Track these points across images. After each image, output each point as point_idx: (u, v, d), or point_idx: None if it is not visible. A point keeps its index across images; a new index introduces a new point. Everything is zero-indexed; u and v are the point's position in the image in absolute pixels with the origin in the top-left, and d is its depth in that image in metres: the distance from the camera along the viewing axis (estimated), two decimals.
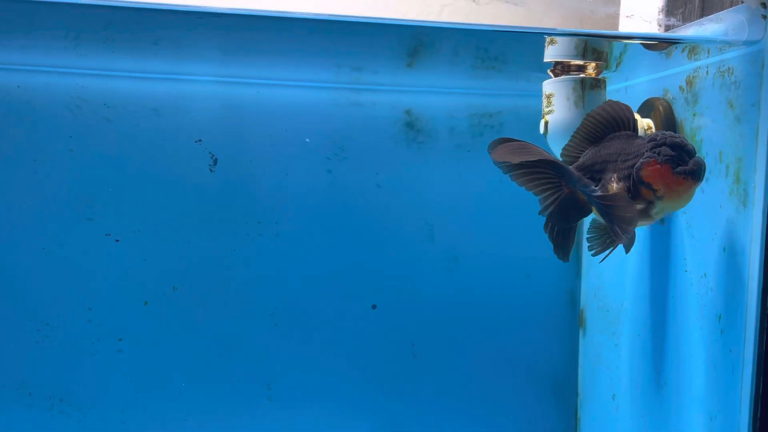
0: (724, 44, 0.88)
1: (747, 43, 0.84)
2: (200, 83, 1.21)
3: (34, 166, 1.19)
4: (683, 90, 0.97)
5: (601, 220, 0.87)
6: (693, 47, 0.95)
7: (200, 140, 1.22)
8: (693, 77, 0.95)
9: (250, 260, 1.25)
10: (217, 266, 1.24)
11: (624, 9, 1.02)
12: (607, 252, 0.86)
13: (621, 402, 1.17)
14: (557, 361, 1.34)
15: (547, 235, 0.89)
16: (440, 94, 1.27)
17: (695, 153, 0.82)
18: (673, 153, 0.80)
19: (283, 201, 1.25)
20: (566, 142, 0.91)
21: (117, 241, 1.21)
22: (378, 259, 1.28)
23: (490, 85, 1.25)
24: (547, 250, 0.91)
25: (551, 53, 1.02)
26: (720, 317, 0.89)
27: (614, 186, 0.84)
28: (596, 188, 0.85)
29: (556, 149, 1.00)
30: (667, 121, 0.99)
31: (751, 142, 0.83)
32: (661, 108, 1.00)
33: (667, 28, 1.00)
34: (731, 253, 0.86)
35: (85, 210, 1.20)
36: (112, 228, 1.21)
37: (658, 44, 0.99)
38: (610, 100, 0.87)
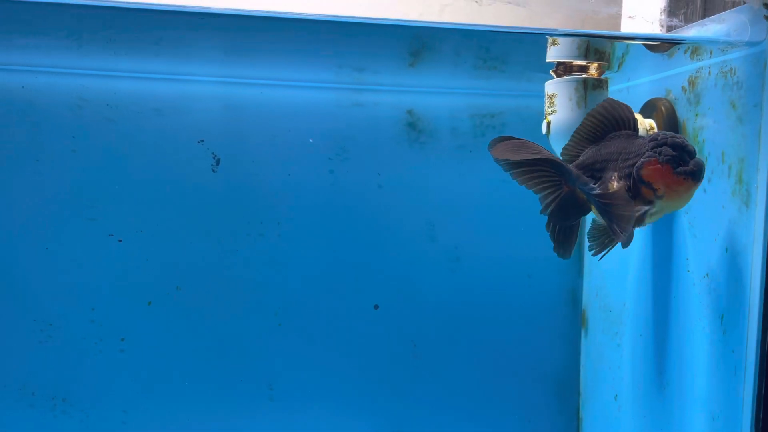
0: (727, 45, 0.88)
1: (749, 43, 0.84)
2: (202, 83, 1.22)
3: (37, 166, 1.19)
4: (686, 90, 0.97)
5: (600, 219, 0.87)
6: (695, 48, 0.95)
7: (203, 140, 1.22)
8: (695, 78, 0.95)
9: (253, 260, 1.25)
10: (219, 266, 1.24)
11: (626, 9, 1.02)
12: (606, 250, 0.86)
13: (623, 402, 1.17)
14: (559, 361, 1.34)
15: (548, 233, 0.90)
16: (442, 94, 1.27)
17: (695, 154, 0.82)
18: (674, 153, 0.80)
19: (285, 201, 1.25)
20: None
21: (120, 241, 1.22)
22: (380, 259, 1.28)
23: (492, 86, 1.25)
24: (548, 251, 0.91)
25: (553, 54, 1.02)
26: (722, 317, 0.89)
27: (614, 185, 0.84)
28: (595, 186, 0.85)
29: (559, 150, 1.00)
30: (670, 121, 0.99)
31: (753, 142, 0.83)
32: (663, 108, 1.00)
33: (669, 28, 1.00)
34: (733, 254, 0.86)
35: (88, 210, 1.20)
36: (115, 228, 1.21)
37: (660, 45, 0.99)
38: (609, 99, 0.87)
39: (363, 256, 1.28)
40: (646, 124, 1.00)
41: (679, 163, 0.80)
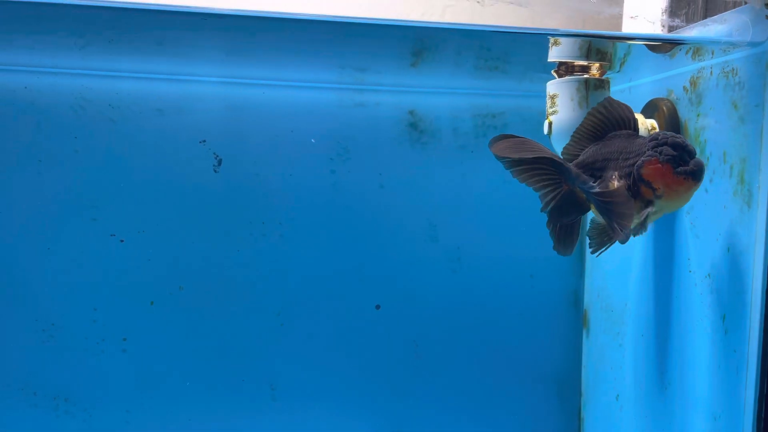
0: (728, 45, 0.88)
1: (751, 44, 0.84)
2: (204, 84, 1.22)
3: (39, 166, 1.19)
4: (687, 90, 0.97)
5: (600, 218, 0.87)
6: (697, 48, 0.95)
7: (204, 141, 1.22)
8: (697, 78, 0.95)
9: (255, 260, 1.25)
10: (221, 266, 1.24)
11: (627, 10, 1.02)
12: (604, 248, 0.86)
13: (625, 402, 1.17)
14: (561, 362, 1.34)
15: (549, 231, 0.90)
16: (444, 94, 1.27)
17: (695, 154, 0.82)
18: (674, 153, 0.80)
19: (286, 201, 1.25)
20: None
21: (122, 241, 1.22)
22: (381, 260, 1.28)
23: (493, 86, 1.25)
24: (550, 251, 0.91)
25: (555, 54, 1.02)
26: (724, 317, 0.89)
27: (615, 184, 0.84)
28: (594, 185, 0.85)
29: (560, 150, 1.00)
30: (671, 121, 0.99)
31: (755, 142, 0.83)
32: (665, 108, 1.00)
33: (671, 28, 1.00)
34: (735, 254, 0.86)
35: (90, 210, 1.20)
36: (117, 228, 1.21)
37: (662, 46, 0.99)
38: (609, 98, 0.87)
39: (364, 256, 1.28)
40: (647, 125, 1.00)
41: (680, 163, 0.80)
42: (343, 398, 1.29)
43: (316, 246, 1.26)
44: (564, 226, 0.89)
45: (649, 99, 1.05)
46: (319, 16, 0.88)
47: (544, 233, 0.90)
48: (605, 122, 0.87)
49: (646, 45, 1.00)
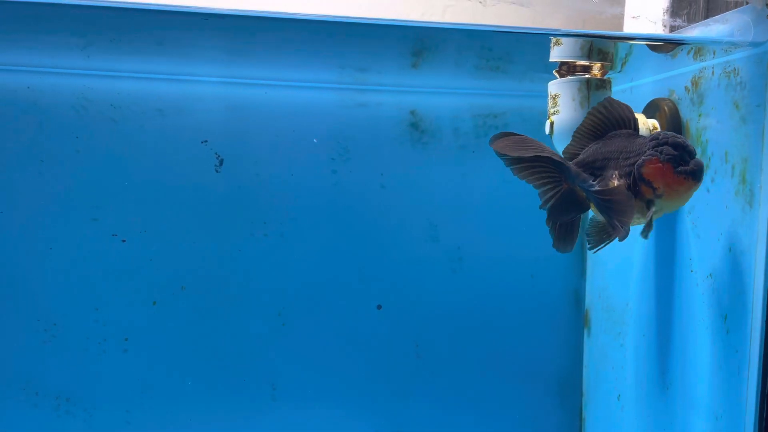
0: (730, 45, 0.88)
1: (752, 44, 0.84)
2: (205, 84, 1.22)
3: (41, 166, 1.19)
4: (689, 90, 0.97)
5: (599, 217, 0.87)
6: (698, 48, 0.95)
7: (206, 141, 1.22)
8: (698, 78, 0.95)
9: (256, 260, 1.25)
10: (222, 266, 1.24)
11: (629, 10, 1.02)
12: (602, 245, 0.86)
13: (626, 402, 1.17)
14: (562, 362, 1.34)
15: (548, 228, 0.90)
16: (445, 94, 1.27)
17: (696, 154, 0.82)
18: (675, 153, 0.81)
19: (288, 201, 1.25)
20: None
21: (123, 241, 1.22)
22: (382, 260, 1.28)
23: (494, 86, 1.25)
24: (551, 251, 0.91)
25: (557, 54, 1.02)
26: (726, 317, 0.89)
27: (615, 183, 0.84)
28: (594, 183, 0.85)
29: (562, 150, 1.00)
30: (673, 121, 0.99)
31: (756, 142, 0.84)
32: (666, 108, 1.00)
33: (672, 28, 1.00)
34: (737, 253, 0.87)
35: (92, 210, 1.21)
36: (119, 228, 1.21)
37: (663, 46, 0.99)
38: (609, 98, 0.87)
39: (365, 256, 1.28)
40: (649, 124, 1.00)
41: (680, 163, 0.81)
42: (343, 398, 1.29)
43: (318, 246, 1.26)
44: (563, 224, 0.89)
45: (651, 99, 1.05)
46: (319, 16, 0.88)
47: (544, 233, 0.90)
48: (605, 122, 0.87)
49: (647, 45, 1.00)
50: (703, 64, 0.94)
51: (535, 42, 1.01)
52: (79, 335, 1.22)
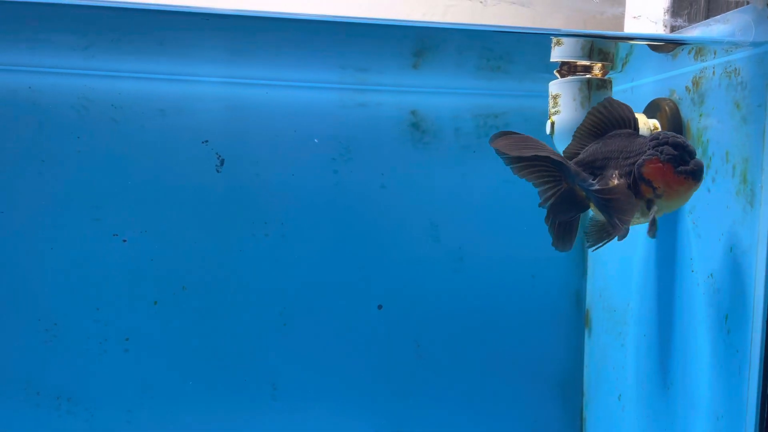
0: (731, 45, 0.88)
1: (753, 44, 0.84)
2: (206, 84, 1.22)
3: (42, 166, 1.19)
4: (690, 90, 0.97)
5: (598, 217, 0.87)
6: (699, 48, 0.95)
7: (207, 141, 1.22)
8: (699, 78, 0.95)
9: (257, 260, 1.25)
10: (223, 266, 1.24)
11: (630, 10, 1.02)
12: (601, 243, 0.86)
13: (627, 402, 1.17)
14: (562, 362, 1.34)
15: (547, 227, 0.90)
16: (445, 94, 1.27)
17: (696, 154, 0.82)
18: (675, 152, 0.81)
19: (289, 201, 1.25)
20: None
21: (124, 241, 1.22)
22: (383, 260, 1.28)
23: (495, 86, 1.25)
24: (552, 251, 0.91)
25: (557, 54, 1.02)
26: (726, 317, 0.89)
27: (615, 182, 0.84)
28: (594, 182, 0.85)
29: (562, 150, 1.00)
30: (674, 121, 0.99)
31: (757, 142, 0.84)
32: (667, 108, 1.00)
33: (673, 29, 1.00)
34: (738, 253, 0.86)
35: (93, 210, 1.21)
36: (120, 228, 1.21)
37: (664, 46, 0.99)
38: (609, 98, 0.88)
39: (366, 256, 1.28)
40: (650, 124, 1.00)
41: (680, 163, 0.81)
42: (344, 398, 1.29)
43: (318, 246, 1.26)
44: (563, 223, 0.89)
45: (652, 99, 1.05)
46: (320, 16, 0.88)
47: (545, 233, 0.90)
48: (605, 122, 0.87)
49: (648, 45, 1.00)
50: (704, 64, 0.94)
51: (536, 42, 1.01)
52: (80, 335, 1.22)
